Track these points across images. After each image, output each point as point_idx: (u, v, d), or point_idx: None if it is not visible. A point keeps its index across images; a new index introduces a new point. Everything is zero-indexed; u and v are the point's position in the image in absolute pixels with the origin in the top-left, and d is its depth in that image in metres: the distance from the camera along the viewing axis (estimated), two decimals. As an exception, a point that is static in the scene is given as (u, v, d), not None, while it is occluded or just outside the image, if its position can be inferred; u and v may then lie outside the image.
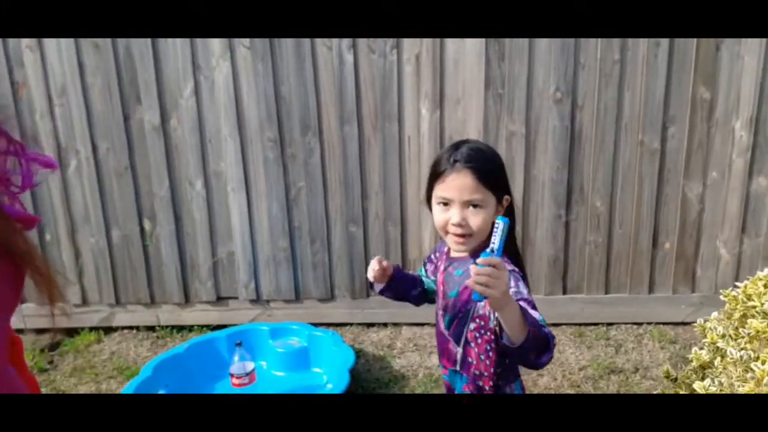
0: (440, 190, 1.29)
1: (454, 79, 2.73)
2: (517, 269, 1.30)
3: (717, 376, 1.21)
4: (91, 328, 3.03)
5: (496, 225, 1.10)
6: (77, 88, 2.78)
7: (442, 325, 1.39)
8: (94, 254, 2.97)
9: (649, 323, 2.93)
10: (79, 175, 2.88)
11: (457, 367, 1.35)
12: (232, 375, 2.34)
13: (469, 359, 1.33)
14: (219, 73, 2.75)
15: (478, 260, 1.08)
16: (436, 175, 1.30)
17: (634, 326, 2.93)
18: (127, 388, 2.27)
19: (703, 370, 1.30)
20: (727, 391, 1.15)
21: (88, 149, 2.84)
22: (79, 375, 2.70)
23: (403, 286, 1.50)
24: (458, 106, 2.76)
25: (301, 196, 2.90)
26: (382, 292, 1.48)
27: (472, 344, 1.32)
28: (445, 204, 1.28)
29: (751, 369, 1.11)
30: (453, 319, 1.34)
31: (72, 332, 3.03)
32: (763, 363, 1.10)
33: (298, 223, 2.93)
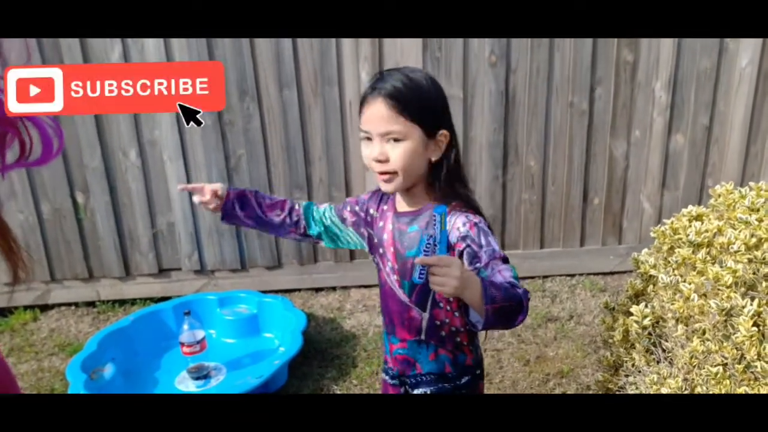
0: (361, 123, 1.18)
1: (392, 43, 2.76)
2: (482, 219, 1.17)
3: (650, 301, 1.34)
4: (26, 307, 2.89)
5: (432, 216, 1.00)
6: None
7: (399, 293, 1.23)
8: (24, 230, 2.81)
9: (581, 274, 3.13)
10: None
11: (422, 336, 1.22)
12: (182, 344, 2.31)
13: (438, 322, 1.21)
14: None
15: (416, 260, 1.00)
16: (360, 106, 1.19)
17: (568, 278, 3.12)
18: (73, 362, 2.21)
19: (638, 297, 1.43)
20: (658, 313, 1.28)
21: (10, 119, 2.68)
22: (18, 354, 2.58)
23: (254, 208, 1.34)
24: (398, 70, 2.79)
25: (242, 164, 2.86)
26: (229, 220, 1.35)
27: (442, 304, 1.19)
28: (369, 138, 1.17)
29: (680, 290, 1.24)
30: (416, 283, 1.16)
31: (5, 312, 2.88)
32: (690, 284, 1.23)
33: (241, 191, 2.90)
